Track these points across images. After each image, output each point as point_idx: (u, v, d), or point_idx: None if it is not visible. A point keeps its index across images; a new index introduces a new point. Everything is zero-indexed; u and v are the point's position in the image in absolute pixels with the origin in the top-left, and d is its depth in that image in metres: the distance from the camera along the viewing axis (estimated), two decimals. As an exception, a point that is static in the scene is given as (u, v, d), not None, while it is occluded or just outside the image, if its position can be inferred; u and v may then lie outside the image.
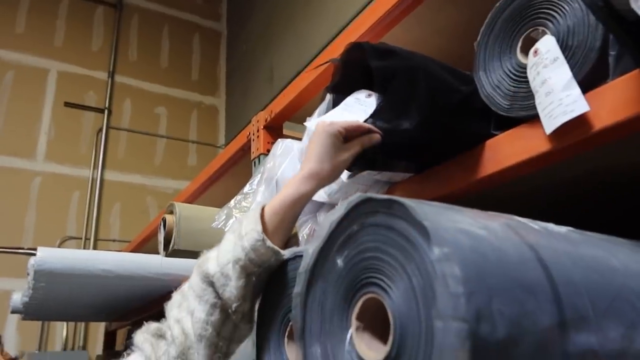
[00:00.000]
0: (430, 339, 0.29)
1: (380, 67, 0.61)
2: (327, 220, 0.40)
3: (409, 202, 0.34)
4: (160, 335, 0.63)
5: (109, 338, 2.54)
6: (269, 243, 0.60)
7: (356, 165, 0.70)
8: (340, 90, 0.73)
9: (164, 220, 1.17)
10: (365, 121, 0.67)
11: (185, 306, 0.63)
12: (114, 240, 3.46)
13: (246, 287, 0.60)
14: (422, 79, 0.62)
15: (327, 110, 0.85)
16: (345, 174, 0.74)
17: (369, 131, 0.65)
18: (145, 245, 2.16)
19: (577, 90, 0.54)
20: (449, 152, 0.69)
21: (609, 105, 0.52)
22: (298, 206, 0.64)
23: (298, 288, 0.42)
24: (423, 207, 0.33)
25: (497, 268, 0.31)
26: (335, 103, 0.74)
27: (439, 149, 0.69)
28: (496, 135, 0.65)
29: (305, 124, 0.81)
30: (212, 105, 4.33)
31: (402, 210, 0.34)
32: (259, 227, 0.61)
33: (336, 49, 1.03)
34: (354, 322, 0.37)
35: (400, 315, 0.33)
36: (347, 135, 0.65)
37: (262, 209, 0.64)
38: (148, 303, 1.86)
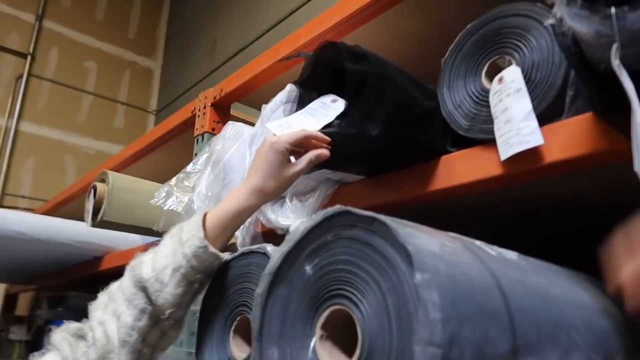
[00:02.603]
0: (403, 358, 0.31)
1: (355, 71, 0.61)
2: (300, 227, 0.40)
3: (390, 221, 0.35)
4: (81, 336, 0.60)
5: (10, 301, 2.37)
6: (211, 249, 0.59)
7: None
8: (306, 86, 0.72)
9: (95, 189, 1.10)
10: (330, 124, 0.67)
11: (111, 308, 0.60)
12: (23, 197, 3.23)
13: (184, 295, 0.59)
14: (391, 89, 0.62)
15: (287, 100, 0.84)
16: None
17: (318, 139, 0.65)
18: (61, 208, 2.03)
19: (535, 122, 0.57)
20: (405, 161, 0.71)
21: (561, 141, 0.56)
22: (241, 218, 0.64)
23: (260, 289, 0.42)
24: (405, 229, 0.34)
25: (467, 295, 0.33)
26: (300, 98, 0.74)
27: (396, 157, 0.70)
28: (452, 152, 0.68)
29: (266, 125, 0.78)
30: (146, 67, 4.12)
31: (383, 229, 0.35)
32: (201, 234, 0.60)
33: (298, 39, 1.02)
34: (318, 331, 0.37)
35: (370, 330, 0.34)
36: (297, 146, 0.64)
37: (204, 216, 0.63)
38: (60, 270, 1.76)
